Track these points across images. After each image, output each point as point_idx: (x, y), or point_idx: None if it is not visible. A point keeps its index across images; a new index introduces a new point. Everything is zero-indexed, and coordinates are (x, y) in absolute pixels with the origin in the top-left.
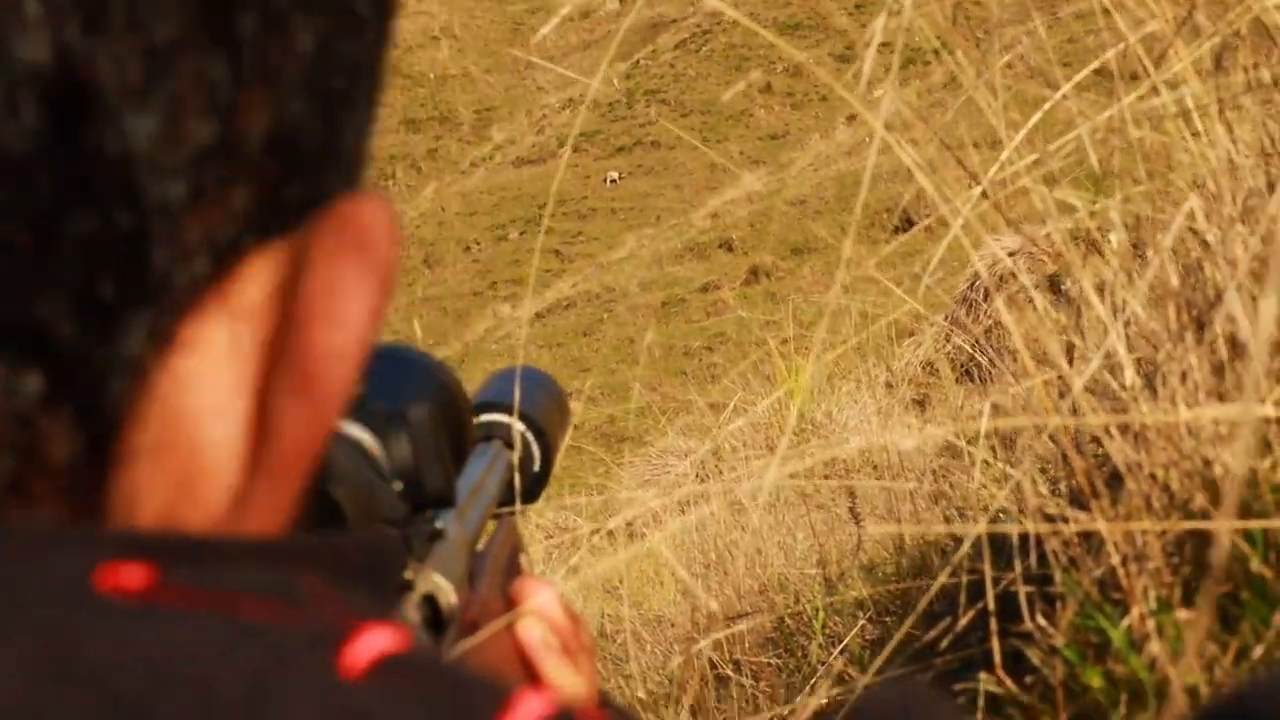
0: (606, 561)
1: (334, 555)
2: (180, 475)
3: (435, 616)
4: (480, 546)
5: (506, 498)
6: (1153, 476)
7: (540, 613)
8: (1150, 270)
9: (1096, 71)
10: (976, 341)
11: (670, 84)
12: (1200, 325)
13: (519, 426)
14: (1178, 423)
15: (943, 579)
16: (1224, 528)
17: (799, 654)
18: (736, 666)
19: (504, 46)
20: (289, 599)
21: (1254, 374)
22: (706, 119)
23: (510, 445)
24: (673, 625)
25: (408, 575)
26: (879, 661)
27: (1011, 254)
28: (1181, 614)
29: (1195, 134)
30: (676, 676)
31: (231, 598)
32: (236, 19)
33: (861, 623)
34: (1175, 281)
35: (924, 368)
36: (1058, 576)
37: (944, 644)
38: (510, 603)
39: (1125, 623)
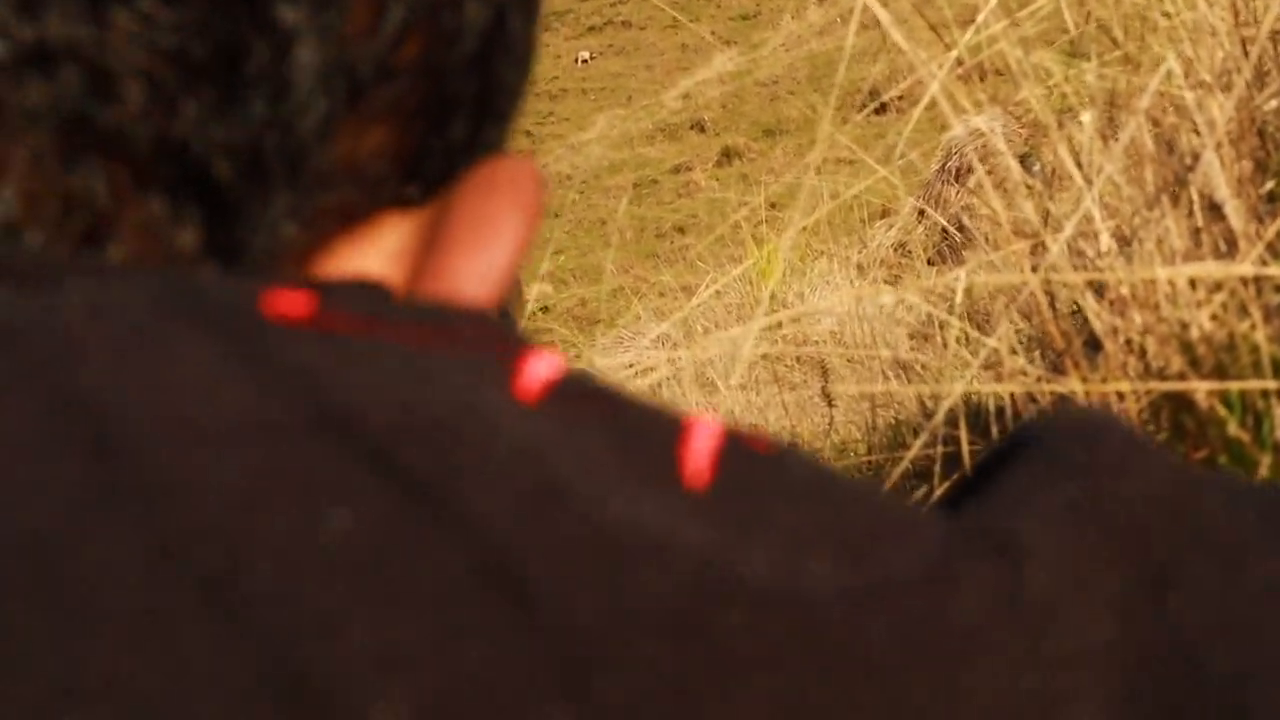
0: None
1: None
2: None
3: None
4: None
5: None
6: (1129, 343)
7: None
8: (1126, 134)
9: None
10: (953, 215)
11: None
12: (1176, 189)
13: None
14: (1155, 287)
15: (918, 448)
16: (1201, 389)
17: None
18: None
19: None
20: (449, 325)
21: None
22: None
23: None
24: None
25: None
26: None
27: (985, 132)
28: None
29: None
30: None
31: (395, 324)
32: None
33: None
34: (1151, 146)
35: (896, 249)
36: None
37: None
38: None
39: None
